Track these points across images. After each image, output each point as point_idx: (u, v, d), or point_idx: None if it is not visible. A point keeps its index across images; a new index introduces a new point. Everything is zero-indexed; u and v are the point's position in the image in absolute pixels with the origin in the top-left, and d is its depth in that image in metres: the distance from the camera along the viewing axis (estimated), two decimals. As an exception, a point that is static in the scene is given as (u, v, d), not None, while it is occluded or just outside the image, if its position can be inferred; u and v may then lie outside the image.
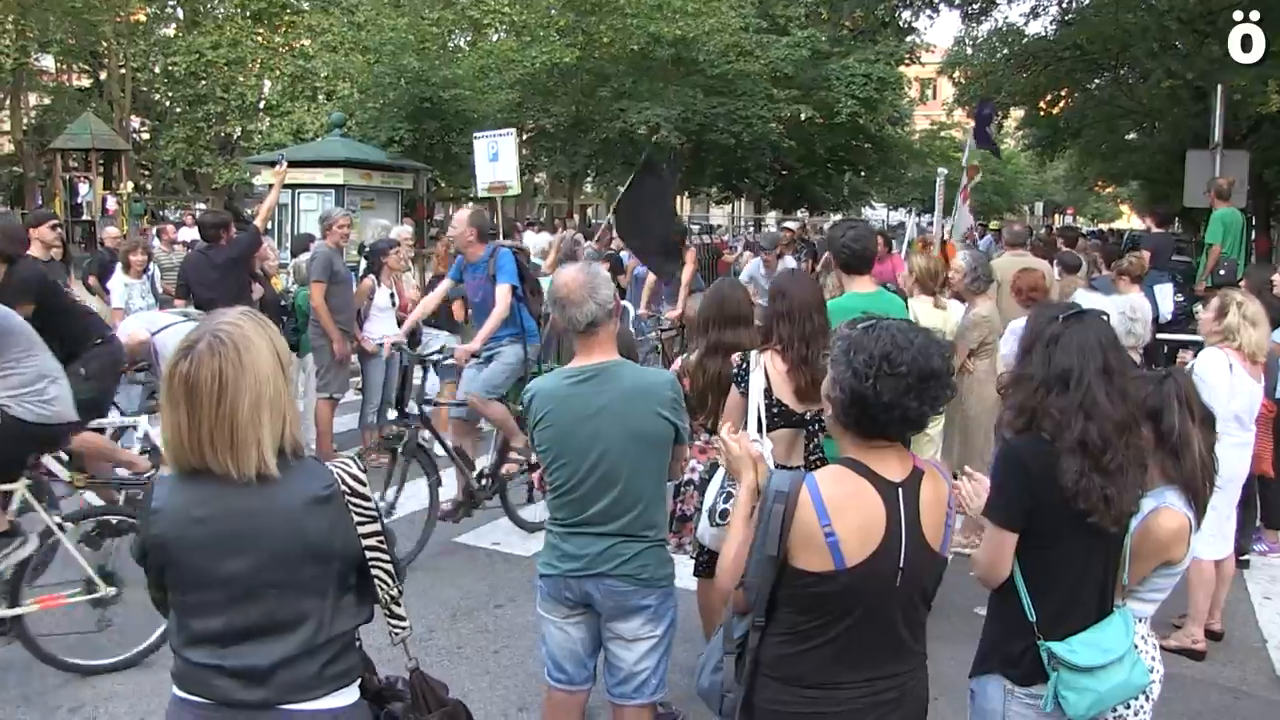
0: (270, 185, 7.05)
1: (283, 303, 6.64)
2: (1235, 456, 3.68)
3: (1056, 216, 45.24)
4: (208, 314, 3.26)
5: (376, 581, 1.71)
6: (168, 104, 23.28)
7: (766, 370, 2.91)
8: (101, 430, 4.38)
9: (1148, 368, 4.88)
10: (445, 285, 5.29)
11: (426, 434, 4.85)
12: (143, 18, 21.92)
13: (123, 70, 21.83)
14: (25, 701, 3.34)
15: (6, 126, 23.28)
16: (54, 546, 3.49)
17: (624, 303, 7.50)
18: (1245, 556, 4.77)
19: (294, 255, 8.14)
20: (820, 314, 3.00)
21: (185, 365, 1.56)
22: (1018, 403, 1.98)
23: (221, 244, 5.97)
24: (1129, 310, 5.23)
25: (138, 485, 4.20)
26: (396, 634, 1.78)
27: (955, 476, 1.95)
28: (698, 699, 3.15)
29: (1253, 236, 12.82)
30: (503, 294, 4.71)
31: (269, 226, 8.93)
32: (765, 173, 24.26)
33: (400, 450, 4.56)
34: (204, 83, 20.56)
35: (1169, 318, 7.41)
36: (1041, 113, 21.05)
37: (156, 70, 22.23)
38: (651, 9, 17.90)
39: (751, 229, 25.61)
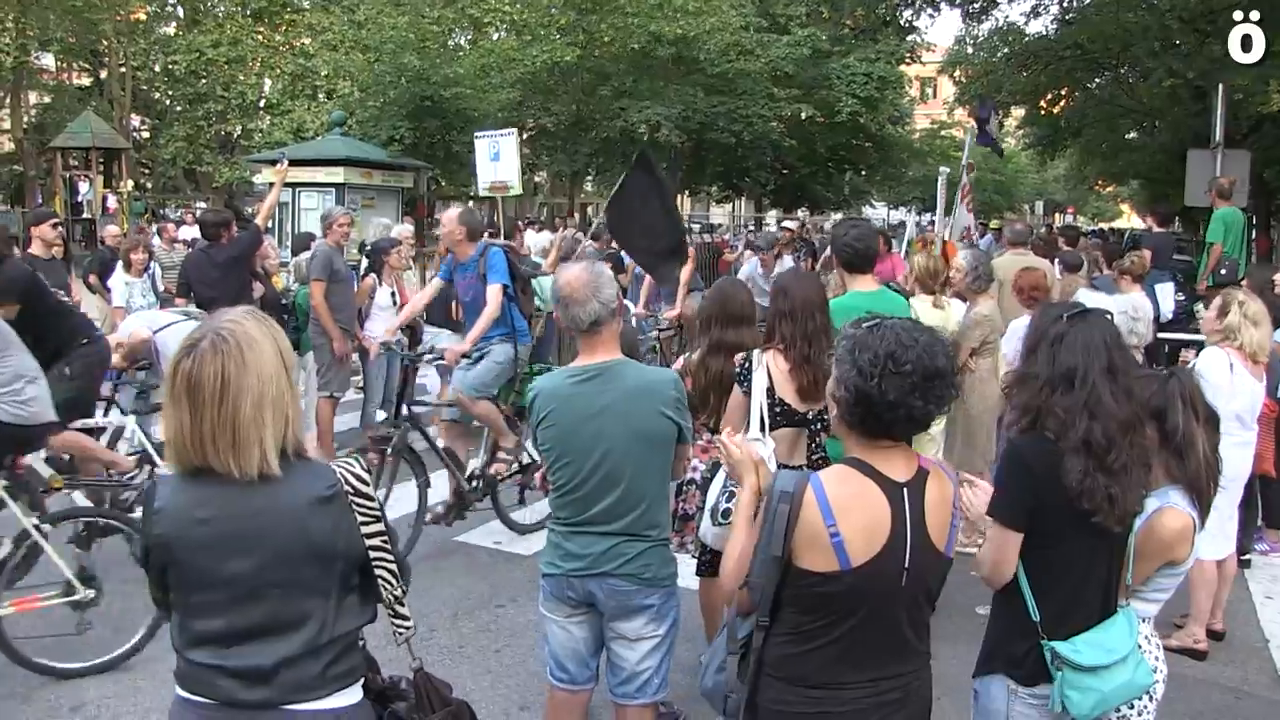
0: (271, 184, 7.05)
1: (283, 301, 6.64)
2: (1237, 456, 3.67)
3: (1057, 215, 45.23)
4: (209, 313, 3.24)
5: (380, 581, 1.70)
6: (168, 102, 23.29)
7: (769, 369, 2.91)
8: (90, 430, 4.35)
9: (1149, 367, 4.88)
10: (435, 284, 5.25)
11: (416, 435, 4.79)
12: (143, 16, 21.92)
13: (123, 69, 21.84)
14: (26, 700, 3.34)
15: (7, 125, 23.27)
16: (35, 548, 3.45)
17: (625, 302, 7.48)
18: (1247, 556, 4.77)
19: (294, 254, 8.13)
20: (822, 313, 3.00)
21: (188, 364, 1.56)
22: (1022, 402, 1.98)
23: (223, 242, 5.96)
24: (1131, 310, 5.23)
25: (121, 486, 4.19)
26: (400, 634, 1.78)
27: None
28: (699, 698, 3.15)
29: (1253, 236, 12.82)
30: (494, 293, 4.66)
31: (269, 225, 8.91)
32: (766, 172, 24.28)
33: (389, 451, 4.51)
34: (204, 81, 20.57)
35: (1170, 317, 7.41)
36: (1042, 112, 21.04)
37: (157, 69, 22.23)
38: (652, 8, 17.91)
39: (752, 228, 25.59)
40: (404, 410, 4.78)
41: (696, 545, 3.36)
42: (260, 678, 1.57)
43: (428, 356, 5.38)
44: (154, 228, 13.14)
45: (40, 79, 23.41)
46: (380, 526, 1.67)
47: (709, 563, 3.27)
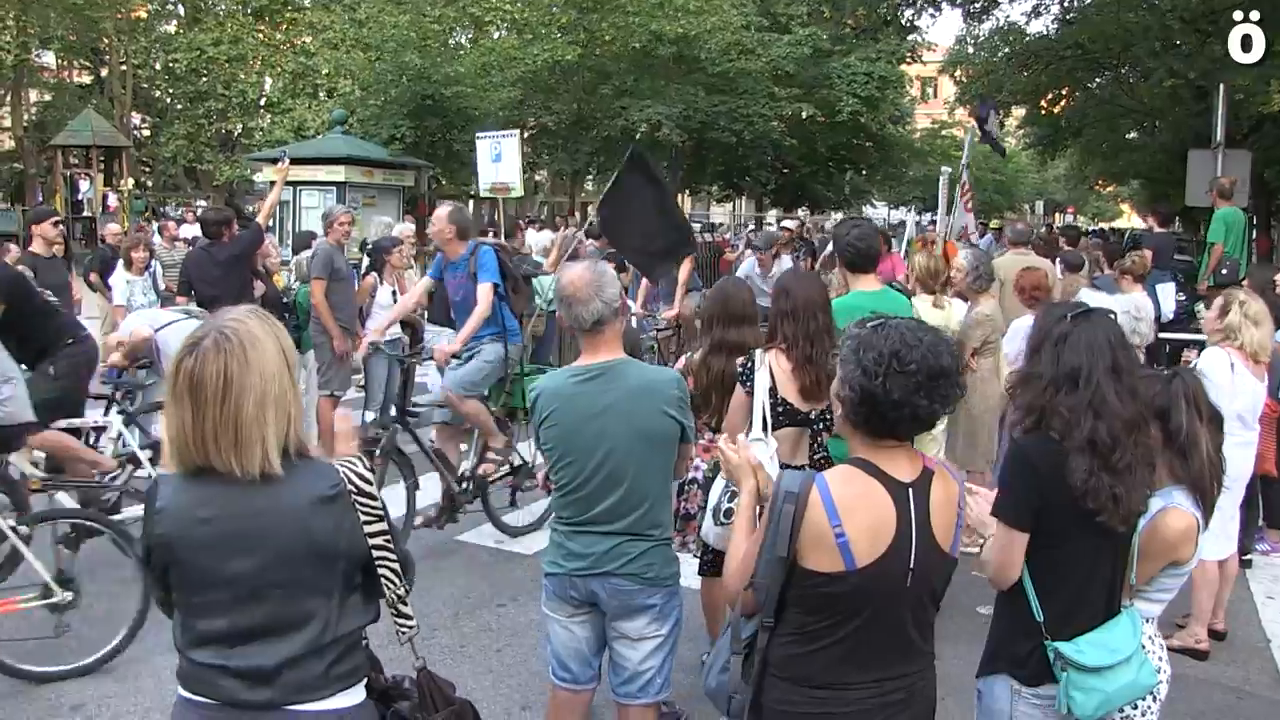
0: (272, 182, 7.05)
1: (284, 300, 6.64)
2: (1238, 456, 3.67)
3: (1057, 215, 45.22)
4: (210, 311, 3.23)
5: (383, 581, 1.70)
6: (169, 101, 23.29)
7: (771, 369, 2.91)
8: (76, 431, 4.33)
9: (1150, 367, 4.87)
10: (425, 284, 5.18)
11: (406, 436, 4.73)
12: (144, 14, 21.92)
13: (124, 67, 21.83)
14: (27, 699, 3.34)
15: (7, 123, 23.27)
16: (13, 550, 3.42)
17: (627, 301, 7.44)
18: (1248, 556, 4.77)
19: (295, 252, 8.14)
20: (824, 312, 3.00)
21: (190, 362, 1.55)
22: (1026, 402, 1.98)
23: (224, 241, 5.96)
24: (1134, 309, 5.23)
25: (102, 488, 4.17)
26: (404, 633, 1.77)
27: None
28: (701, 698, 3.14)
29: (1253, 236, 12.83)
30: (484, 292, 4.59)
31: (270, 224, 8.91)
32: (766, 171, 24.26)
33: (377, 453, 4.46)
34: (205, 79, 20.58)
35: (1171, 317, 7.41)
36: (1042, 111, 21.04)
37: (157, 67, 22.23)
38: (653, 7, 17.90)
39: (753, 227, 25.61)
40: (393, 411, 4.74)
41: (698, 545, 3.36)
42: (263, 678, 1.57)
43: (414, 357, 5.34)
44: (154, 226, 13.14)
45: (41, 77, 23.39)
46: (383, 526, 1.67)
47: (711, 562, 3.27)
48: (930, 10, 19.89)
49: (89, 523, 3.71)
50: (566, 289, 2.37)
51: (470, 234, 4.95)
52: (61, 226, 6.14)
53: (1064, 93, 19.87)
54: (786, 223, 13.16)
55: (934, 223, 12.97)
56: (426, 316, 6.35)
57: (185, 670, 1.62)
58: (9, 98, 22.09)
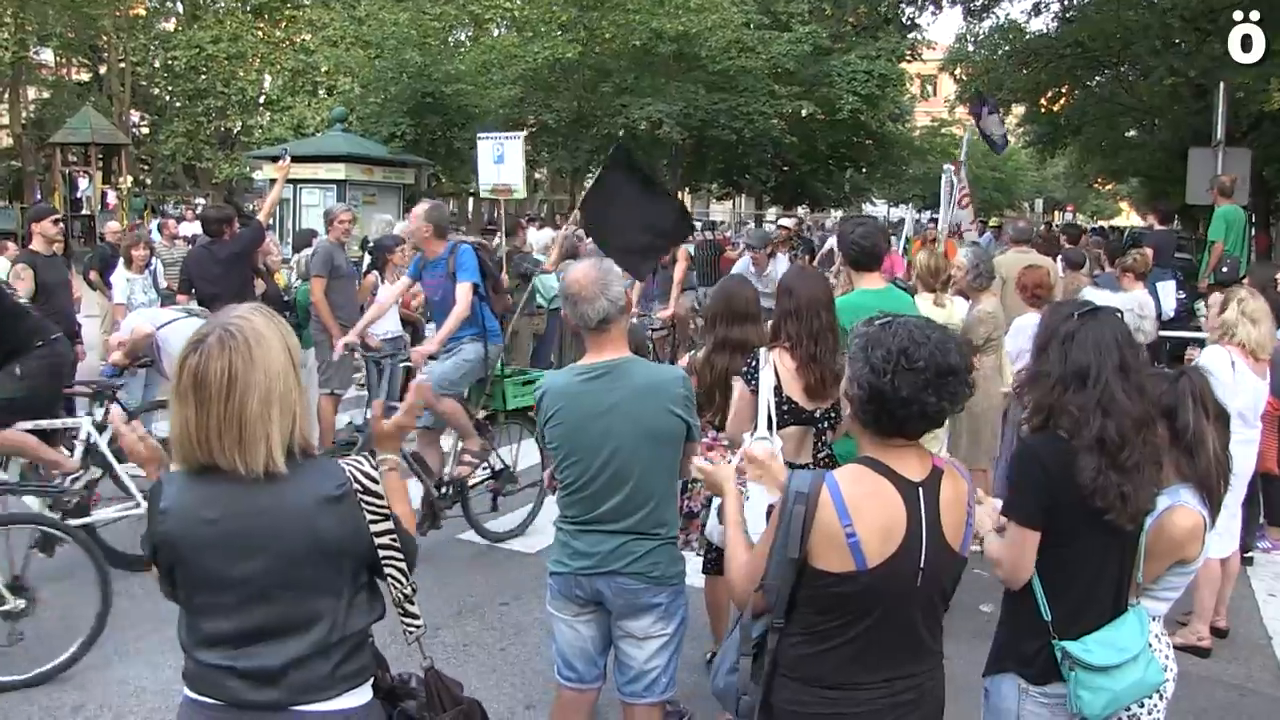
0: (273, 180, 7.03)
1: (285, 298, 6.63)
2: (1240, 454, 3.66)
3: (1056, 213, 45.22)
4: (211, 310, 3.21)
5: (390, 580, 1.70)
6: (168, 98, 23.27)
7: (776, 368, 2.91)
8: (44, 432, 4.27)
9: (1152, 365, 4.87)
10: (403, 283, 5.10)
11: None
12: (143, 11, 21.90)
13: (122, 64, 21.81)
14: (27, 700, 3.32)
15: (5, 120, 23.21)
16: None
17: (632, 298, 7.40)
18: (1249, 554, 4.78)
19: (296, 251, 8.13)
20: (828, 311, 3.00)
21: (195, 359, 1.55)
22: (1034, 400, 1.98)
23: (225, 239, 5.94)
24: (1138, 307, 5.23)
25: (58, 492, 4.13)
26: (410, 633, 1.77)
27: None
28: (706, 697, 3.15)
29: (1252, 234, 12.82)
30: (463, 292, 4.50)
31: (271, 222, 8.90)
32: (766, 169, 24.25)
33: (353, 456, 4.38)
34: (204, 77, 20.55)
35: (1171, 315, 7.41)
36: (1042, 109, 21.03)
37: (156, 64, 22.20)
38: (653, 4, 17.88)
39: (752, 226, 25.62)
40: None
41: (702, 543, 3.36)
42: (269, 678, 1.56)
43: (390, 358, 5.28)
44: (154, 223, 13.13)
45: (39, 74, 23.35)
46: (389, 525, 1.66)
47: (714, 560, 3.27)
48: (931, 8, 19.89)
49: (44, 528, 3.63)
50: (572, 287, 2.36)
51: (448, 232, 4.86)
52: (61, 224, 6.11)
53: (1064, 91, 19.87)
54: (784, 221, 13.13)
55: (934, 221, 12.98)
56: (428, 316, 6.34)
57: (191, 671, 1.62)
58: (7, 95, 22.05)
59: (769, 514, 1.73)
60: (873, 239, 3.50)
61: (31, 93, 23.82)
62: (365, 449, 4.38)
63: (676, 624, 2.45)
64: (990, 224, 18.45)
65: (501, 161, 7.43)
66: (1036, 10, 19.37)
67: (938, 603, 1.71)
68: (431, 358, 4.66)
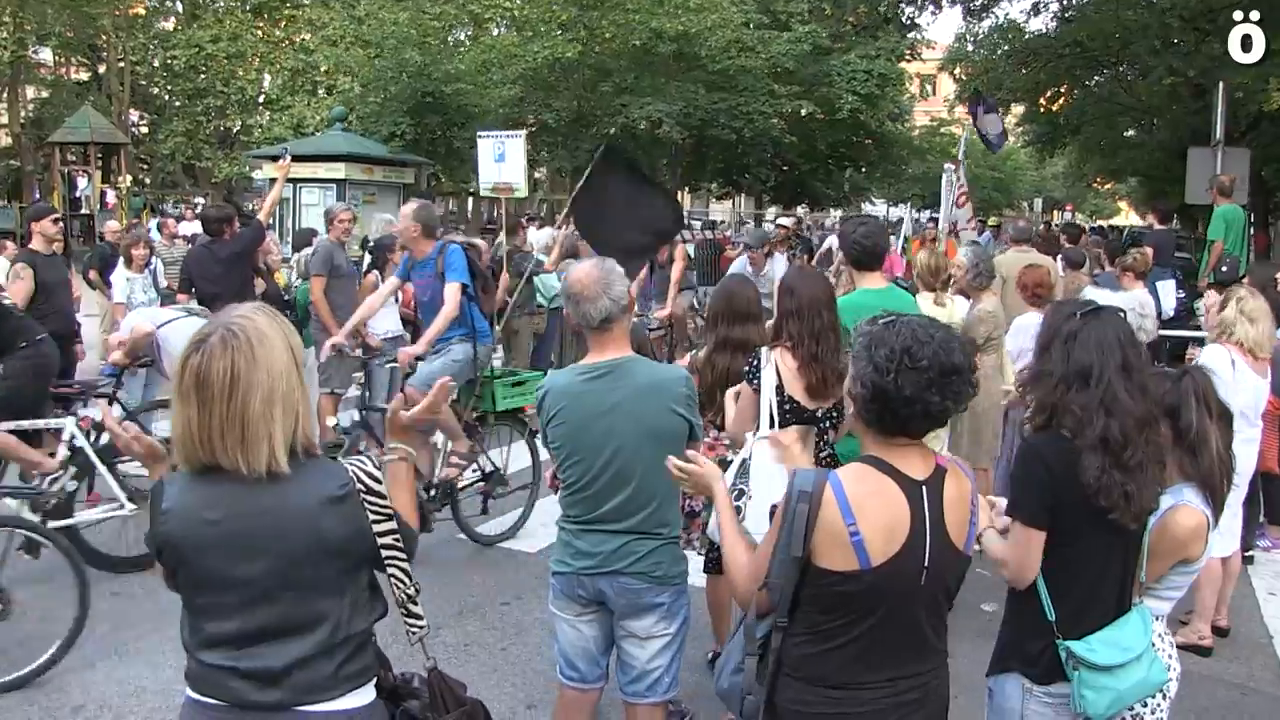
0: (273, 180, 7.02)
1: (285, 297, 6.63)
2: (1241, 453, 3.65)
3: (1055, 213, 45.25)
4: (211, 309, 3.20)
5: (393, 580, 1.69)
6: (167, 98, 23.26)
7: (777, 367, 2.91)
8: (24, 433, 4.26)
9: (1152, 364, 4.87)
10: (392, 284, 5.07)
11: (373, 442, 4.62)
12: (142, 11, 21.89)
13: (122, 63, 21.80)
14: (27, 700, 3.32)
15: (4, 120, 23.20)
16: None
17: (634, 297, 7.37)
18: (1250, 553, 4.78)
19: (296, 250, 8.12)
20: (829, 310, 3.00)
21: (197, 359, 1.54)
22: (1037, 399, 1.98)
23: (225, 238, 5.93)
24: (1139, 307, 5.23)
25: (35, 493, 4.11)
26: (414, 633, 1.76)
27: None
28: (707, 696, 3.14)
29: (1251, 233, 12.83)
30: (452, 292, 4.46)
31: (271, 221, 8.89)
32: (766, 168, 24.25)
33: (339, 459, 4.31)
34: (203, 76, 20.54)
35: (1171, 314, 7.42)
36: (1041, 109, 21.05)
37: (156, 64, 22.20)
38: (653, 4, 17.87)
39: (752, 225, 25.63)
40: (356, 415, 4.64)
41: (703, 543, 3.36)
42: (272, 679, 1.56)
43: (378, 359, 5.24)
44: (153, 223, 13.12)
45: (38, 73, 23.34)
46: (393, 525, 1.65)
47: (716, 560, 3.27)
48: (931, 7, 19.90)
49: (21, 531, 3.60)
50: (574, 286, 2.36)
51: (436, 232, 4.81)
52: (61, 224, 6.11)
53: (1063, 90, 19.89)
54: (782, 220, 13.13)
55: (933, 220, 12.99)
56: (417, 316, 6.31)
57: (194, 671, 1.61)
58: (6, 94, 22.03)
59: (772, 513, 1.73)
60: (874, 238, 3.50)
61: (30, 92, 23.81)
62: (350, 451, 4.36)
63: (679, 624, 2.45)
64: (989, 223, 18.44)
65: (503, 160, 7.41)
66: (1036, 10, 19.40)
67: (942, 601, 1.71)
68: (419, 358, 4.62)
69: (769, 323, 3.38)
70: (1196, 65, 13.90)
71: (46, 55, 23.51)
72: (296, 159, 9.41)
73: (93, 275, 8.36)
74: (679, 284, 7.86)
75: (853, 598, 1.63)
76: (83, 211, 15.56)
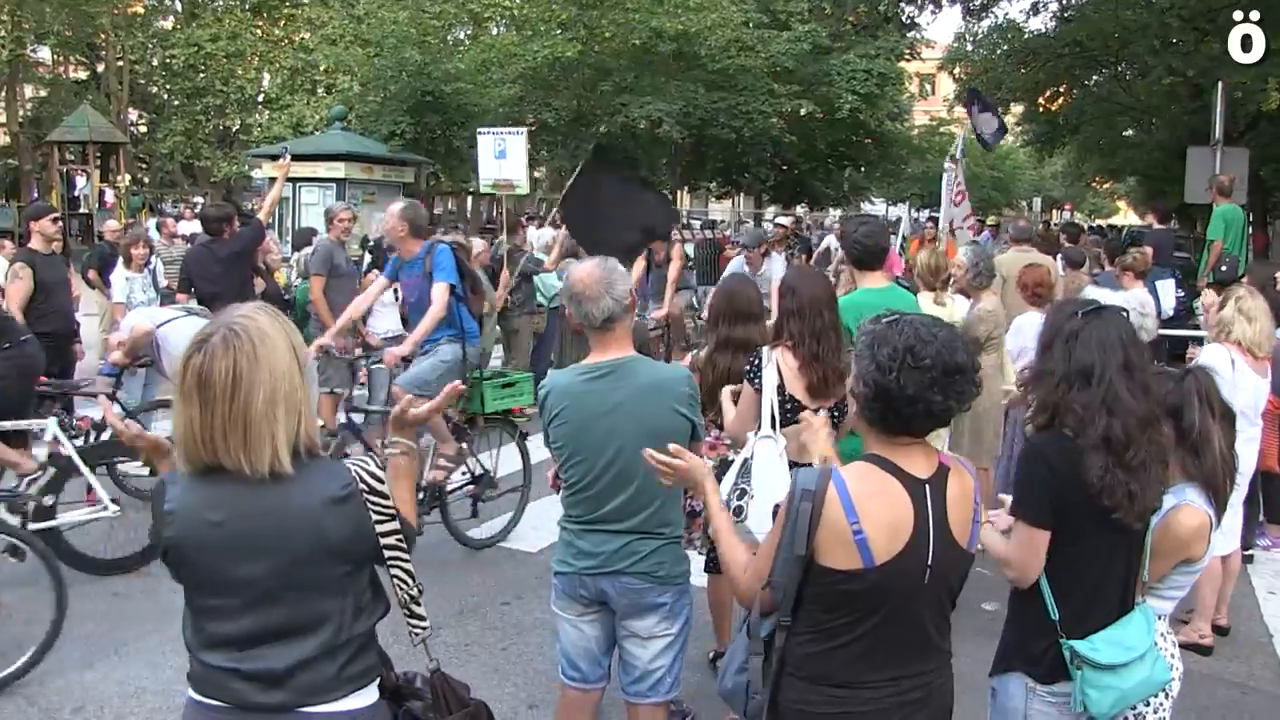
0: (272, 179, 7.02)
1: (285, 297, 6.62)
2: (1241, 452, 3.64)
3: (1054, 212, 45.28)
4: (211, 309, 3.19)
5: (396, 581, 1.69)
6: (166, 97, 23.24)
7: (779, 366, 2.91)
8: (5, 433, 4.24)
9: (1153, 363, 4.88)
10: (380, 284, 5.03)
11: (358, 446, 4.57)
12: (141, 10, 21.87)
13: (120, 62, 21.78)
14: (28, 701, 3.32)
15: (2, 119, 23.17)
16: None
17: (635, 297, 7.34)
18: (1249, 551, 4.79)
19: (296, 249, 8.12)
20: (830, 310, 3.00)
21: (199, 359, 1.53)
22: (1039, 399, 1.98)
23: (225, 238, 5.92)
24: (1139, 306, 5.23)
25: (10, 496, 4.07)
26: (416, 634, 1.76)
27: None
28: (708, 696, 3.14)
29: (1250, 233, 12.85)
30: (439, 292, 4.41)
31: (271, 220, 8.89)
32: (766, 168, 24.26)
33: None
34: (203, 75, 20.53)
35: (1170, 314, 7.43)
36: (1040, 109, 21.08)
37: (154, 63, 22.18)
38: (653, 3, 17.87)
39: (751, 224, 25.65)
40: (343, 417, 4.57)
41: (704, 542, 3.36)
42: (275, 680, 1.56)
43: (363, 360, 5.20)
44: (152, 222, 13.10)
45: (36, 72, 23.31)
46: (395, 525, 1.65)
47: (717, 559, 3.26)
48: (930, 7, 19.91)
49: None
50: (576, 286, 2.35)
51: (424, 232, 4.76)
52: (60, 223, 6.10)
53: (1062, 90, 19.92)
54: (781, 219, 13.11)
55: (932, 219, 12.99)
56: (404, 317, 6.29)
57: (196, 672, 1.61)
58: (4, 93, 22.00)
59: (775, 512, 1.73)
60: (875, 238, 3.50)
61: (29, 91, 23.78)
62: (336, 453, 4.33)
63: (681, 624, 2.44)
64: (988, 223, 18.44)
65: (504, 156, 7.40)
66: (1035, 10, 19.43)
67: (945, 600, 1.70)
68: (406, 359, 4.58)
69: (769, 322, 3.38)
70: (1195, 65, 13.93)
71: (45, 54, 23.49)
72: (296, 158, 9.40)
73: (92, 275, 8.35)
74: (676, 284, 7.84)
75: (856, 596, 1.62)
76: (81, 211, 15.55)
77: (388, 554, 1.65)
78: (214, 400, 1.52)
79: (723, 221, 29.75)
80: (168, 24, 22.68)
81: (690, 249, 12.23)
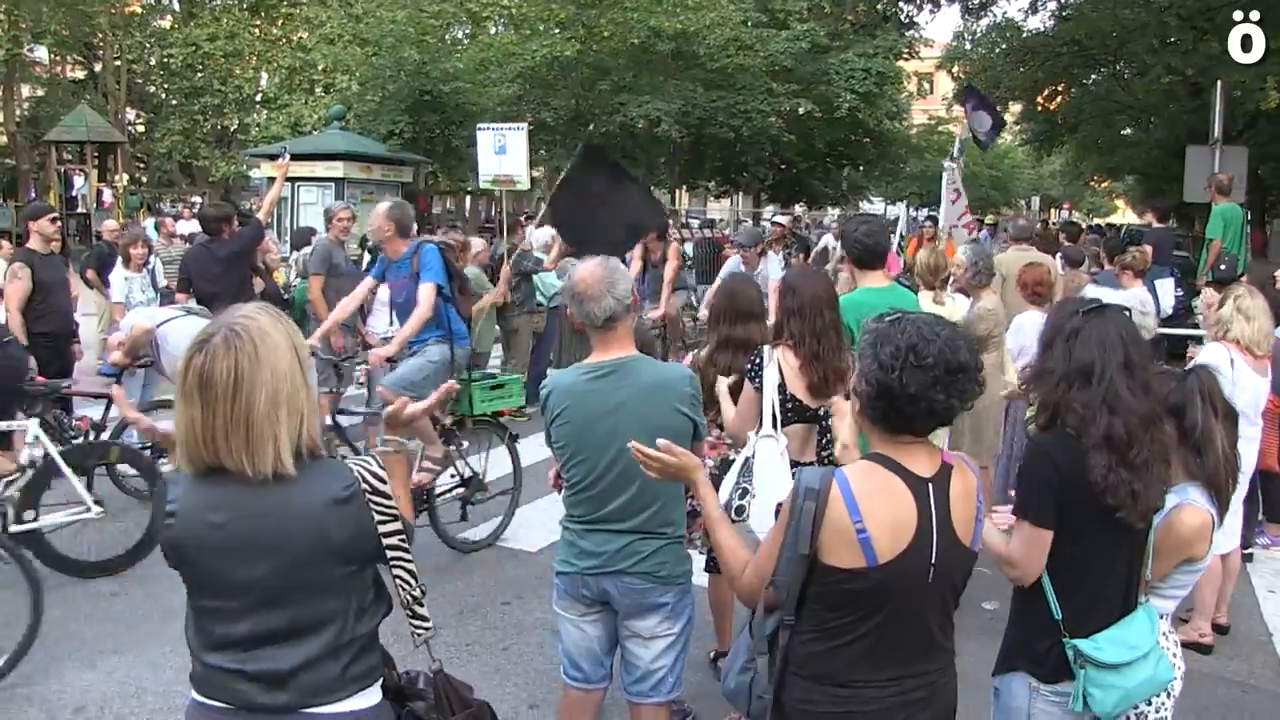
0: (271, 178, 7.01)
1: (284, 296, 6.61)
2: (1242, 451, 3.66)
3: (1053, 211, 45.32)
4: (210, 308, 3.18)
5: (398, 582, 1.69)
6: (164, 96, 23.21)
7: (780, 366, 2.91)
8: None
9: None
10: (367, 284, 4.98)
11: (346, 450, 4.55)
12: (138, 9, 21.84)
13: (118, 62, 21.75)
14: (28, 701, 3.31)
15: (0, 118, 23.13)
16: None
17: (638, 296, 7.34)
18: (1249, 550, 4.79)
19: (294, 249, 8.11)
20: (831, 309, 2.99)
21: (200, 359, 1.53)
22: (1040, 398, 1.98)
23: (224, 237, 5.91)
24: (1139, 305, 5.24)
25: None
26: (419, 635, 1.76)
27: None
28: (710, 696, 3.14)
29: (1248, 231, 12.86)
30: (425, 293, 4.36)
31: (270, 220, 8.88)
32: (764, 167, 24.27)
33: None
34: (200, 75, 20.50)
35: (1170, 312, 7.43)
36: (1039, 108, 21.09)
37: (152, 62, 22.16)
38: (651, 2, 17.87)
39: (750, 224, 25.66)
40: (328, 420, 4.52)
41: (705, 542, 3.36)
42: (279, 681, 1.55)
43: (347, 361, 5.17)
44: (150, 222, 13.09)
45: (33, 72, 23.28)
46: (398, 525, 1.64)
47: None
48: (929, 6, 19.92)
49: None
50: (578, 286, 2.34)
51: (412, 231, 4.71)
52: (59, 223, 6.08)
53: (1060, 89, 19.94)
54: (779, 218, 13.09)
55: (931, 218, 12.97)
56: (392, 318, 6.27)
57: (199, 674, 1.60)
58: (1, 92, 21.96)
59: (777, 512, 1.73)
60: (876, 237, 3.50)
61: (26, 90, 23.74)
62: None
63: (683, 623, 2.44)
64: (986, 222, 18.44)
65: (504, 152, 7.37)
66: (1034, 8, 19.43)
67: (949, 599, 1.70)
68: (390, 360, 4.53)
69: (769, 321, 3.37)
70: (1194, 64, 13.94)
71: (42, 53, 23.46)
72: (295, 158, 9.39)
73: (90, 275, 8.34)
74: (672, 284, 7.84)
75: (860, 595, 1.62)
76: (78, 210, 15.53)
77: (390, 554, 1.64)
78: (215, 401, 1.51)
79: (721, 221, 29.74)
80: (165, 23, 22.65)
81: (689, 248, 12.21)
